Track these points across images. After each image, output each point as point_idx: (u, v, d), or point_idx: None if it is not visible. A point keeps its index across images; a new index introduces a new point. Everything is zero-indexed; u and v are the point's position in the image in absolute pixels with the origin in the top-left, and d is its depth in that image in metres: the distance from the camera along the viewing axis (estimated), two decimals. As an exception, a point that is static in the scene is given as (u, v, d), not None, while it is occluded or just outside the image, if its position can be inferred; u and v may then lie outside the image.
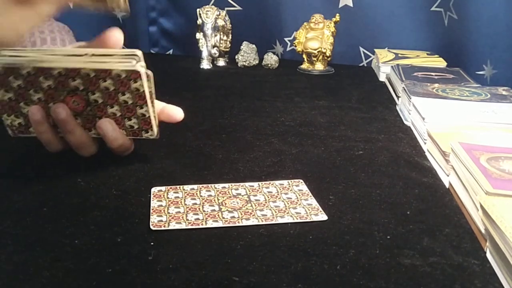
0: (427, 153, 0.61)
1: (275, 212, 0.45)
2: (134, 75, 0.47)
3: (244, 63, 1.07)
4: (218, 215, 0.44)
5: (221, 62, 1.07)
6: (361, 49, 1.16)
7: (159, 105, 0.55)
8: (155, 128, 0.52)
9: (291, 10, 1.14)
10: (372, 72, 1.09)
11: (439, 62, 1.01)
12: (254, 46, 1.08)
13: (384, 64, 1.01)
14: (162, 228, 0.41)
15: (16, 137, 0.52)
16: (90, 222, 0.42)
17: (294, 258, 0.38)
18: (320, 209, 0.46)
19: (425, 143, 0.62)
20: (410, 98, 0.72)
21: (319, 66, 1.06)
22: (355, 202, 0.48)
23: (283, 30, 1.18)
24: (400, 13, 1.10)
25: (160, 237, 0.40)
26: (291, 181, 0.51)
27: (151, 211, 0.44)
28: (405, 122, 0.73)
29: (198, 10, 1.02)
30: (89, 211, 0.44)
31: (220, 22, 1.02)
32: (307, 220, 0.44)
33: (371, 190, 0.50)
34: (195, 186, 0.49)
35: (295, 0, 1.13)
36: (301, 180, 0.51)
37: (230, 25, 1.06)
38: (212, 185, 0.50)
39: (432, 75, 0.89)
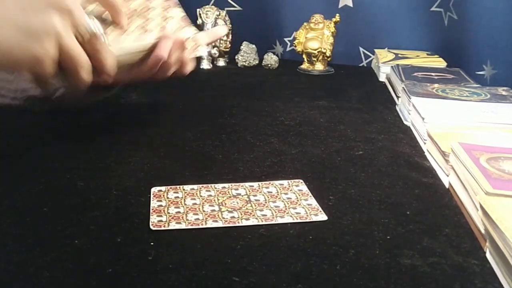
0: (427, 153, 0.61)
1: (275, 212, 0.45)
2: None
3: (244, 63, 1.07)
4: (218, 215, 0.44)
5: (221, 62, 1.07)
6: (361, 49, 1.16)
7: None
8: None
9: (291, 10, 1.14)
10: (372, 72, 1.09)
11: (439, 62, 1.01)
12: (254, 46, 1.08)
13: (384, 64, 1.01)
14: (162, 228, 0.41)
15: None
16: (90, 222, 0.42)
17: (294, 258, 0.38)
18: (320, 209, 0.46)
19: (425, 143, 0.62)
20: (410, 98, 0.72)
21: (319, 66, 1.06)
22: (355, 202, 0.48)
23: (283, 30, 1.18)
24: (400, 13, 1.10)
25: (160, 237, 0.40)
26: (291, 181, 0.51)
27: (151, 211, 0.44)
28: (405, 122, 0.73)
29: (198, 10, 1.02)
30: (89, 211, 0.44)
31: (220, 22, 1.02)
32: (307, 220, 0.44)
33: (371, 190, 0.50)
34: (195, 186, 0.49)
35: (295, 0, 1.13)
36: (301, 180, 0.51)
37: (230, 25, 1.06)
38: (212, 185, 0.49)
39: (432, 75, 0.89)
